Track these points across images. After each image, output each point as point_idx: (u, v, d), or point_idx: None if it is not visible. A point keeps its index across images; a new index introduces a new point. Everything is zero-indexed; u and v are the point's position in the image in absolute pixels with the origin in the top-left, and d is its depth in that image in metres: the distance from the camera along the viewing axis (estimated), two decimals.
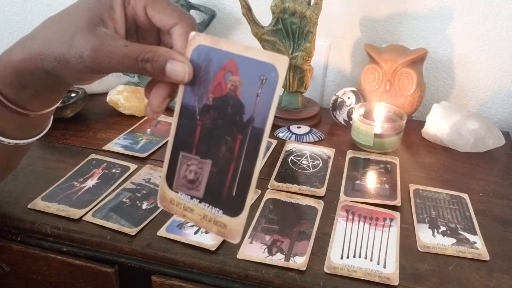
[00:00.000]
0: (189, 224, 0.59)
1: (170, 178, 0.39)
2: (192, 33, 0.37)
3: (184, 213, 0.39)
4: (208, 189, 0.37)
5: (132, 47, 0.36)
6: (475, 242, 0.59)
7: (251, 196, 0.35)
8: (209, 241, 0.56)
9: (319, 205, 0.64)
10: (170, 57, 0.36)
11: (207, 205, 0.37)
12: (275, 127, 0.85)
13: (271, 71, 0.33)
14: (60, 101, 0.48)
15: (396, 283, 0.52)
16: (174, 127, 0.39)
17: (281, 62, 0.33)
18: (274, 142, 0.80)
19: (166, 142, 0.77)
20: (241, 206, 0.35)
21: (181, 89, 0.38)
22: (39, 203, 0.62)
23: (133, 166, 0.71)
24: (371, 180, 0.71)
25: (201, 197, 0.37)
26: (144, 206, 0.63)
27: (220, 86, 0.36)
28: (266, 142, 0.34)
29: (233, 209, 0.36)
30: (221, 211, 0.36)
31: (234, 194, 0.36)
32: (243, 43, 0.35)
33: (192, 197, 0.38)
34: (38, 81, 0.42)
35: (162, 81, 0.38)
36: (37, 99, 0.44)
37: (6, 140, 0.47)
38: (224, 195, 0.36)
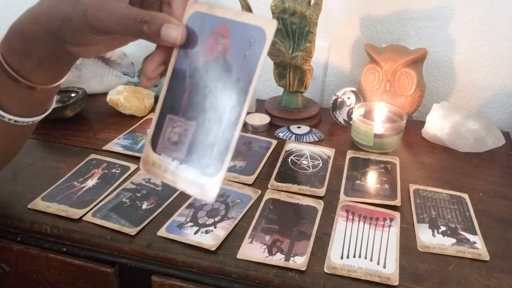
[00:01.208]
0: (189, 224, 0.59)
1: (155, 141, 0.40)
2: (191, 1, 0.39)
3: (163, 175, 0.39)
4: (190, 150, 0.38)
5: (133, 9, 0.39)
6: (475, 242, 0.59)
7: (230, 157, 0.36)
8: (209, 241, 0.56)
9: (319, 205, 0.64)
10: (167, 21, 0.38)
11: (186, 166, 0.38)
12: (275, 127, 0.85)
13: (260, 34, 0.35)
14: (62, 79, 0.49)
15: (396, 283, 0.52)
16: (164, 91, 0.40)
17: (269, 26, 0.34)
18: (274, 142, 0.80)
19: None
20: (219, 167, 0.36)
21: (174, 53, 0.39)
22: (39, 203, 0.62)
23: (133, 166, 0.71)
24: (371, 180, 0.71)
25: (182, 158, 0.38)
26: (144, 206, 0.63)
27: (211, 50, 0.37)
28: (249, 103, 0.35)
29: (211, 169, 0.37)
30: (199, 172, 0.37)
31: (213, 155, 0.37)
32: (236, 9, 0.36)
33: (173, 159, 0.39)
34: (43, 46, 0.43)
35: (158, 44, 0.40)
36: (41, 69, 0.45)
37: (7, 116, 0.47)
38: (204, 157, 0.37)
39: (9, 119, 0.48)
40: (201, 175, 0.37)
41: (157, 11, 0.43)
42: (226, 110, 0.36)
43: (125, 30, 0.39)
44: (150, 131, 0.40)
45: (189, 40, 0.38)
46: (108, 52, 0.94)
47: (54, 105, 0.53)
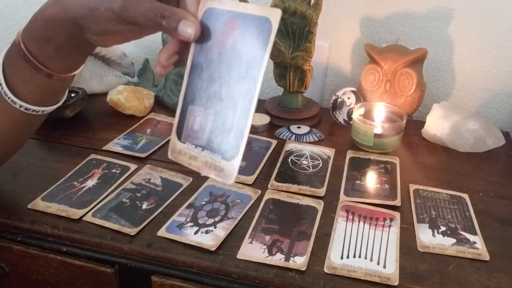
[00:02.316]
0: (189, 224, 0.59)
1: (179, 131, 0.44)
2: None
3: (189, 161, 0.43)
4: (210, 137, 0.41)
5: (156, 3, 0.42)
6: (475, 242, 0.59)
7: (246, 140, 0.39)
8: (209, 241, 0.56)
9: (319, 205, 0.64)
10: (184, 17, 0.41)
11: (208, 152, 0.41)
12: (275, 127, 0.85)
13: (266, 23, 0.38)
14: (79, 70, 0.50)
15: (396, 283, 0.52)
16: (185, 84, 0.43)
17: (274, 14, 0.37)
18: (274, 142, 0.80)
19: (167, 141, 0.78)
20: (236, 150, 0.39)
21: (192, 48, 0.42)
22: (39, 203, 0.62)
23: (133, 166, 0.71)
24: (371, 180, 0.71)
25: (204, 145, 0.42)
26: (144, 206, 0.63)
27: (224, 42, 0.40)
28: (259, 87, 0.38)
29: (230, 154, 0.40)
30: (219, 156, 0.40)
31: (230, 140, 0.40)
32: (244, 3, 0.40)
33: (196, 146, 0.42)
34: (63, 33, 0.45)
35: (175, 37, 0.42)
36: (59, 56, 0.47)
37: (19, 103, 0.49)
38: (223, 142, 0.40)
39: (20, 106, 0.49)
40: (221, 159, 0.40)
41: (175, 4, 0.45)
42: (239, 97, 0.39)
43: (147, 22, 0.42)
44: (175, 122, 0.44)
45: (204, 35, 0.41)
46: (108, 52, 0.94)
47: (65, 97, 0.54)
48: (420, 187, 0.69)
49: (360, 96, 0.86)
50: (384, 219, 0.62)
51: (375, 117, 0.80)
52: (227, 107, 0.40)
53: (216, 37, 0.41)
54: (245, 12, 0.39)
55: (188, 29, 0.40)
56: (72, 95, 0.86)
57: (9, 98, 0.48)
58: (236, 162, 0.39)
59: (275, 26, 0.37)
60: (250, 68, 0.39)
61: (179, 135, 0.44)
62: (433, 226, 0.61)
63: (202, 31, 0.41)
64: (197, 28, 0.41)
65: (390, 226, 0.61)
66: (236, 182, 0.68)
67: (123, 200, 0.64)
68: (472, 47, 0.89)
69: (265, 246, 0.56)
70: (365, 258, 0.55)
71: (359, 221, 0.61)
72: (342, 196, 0.66)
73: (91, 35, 0.45)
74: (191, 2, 0.43)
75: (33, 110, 0.50)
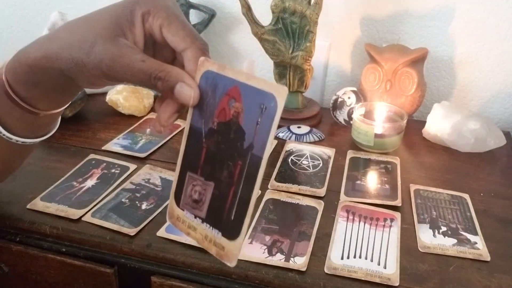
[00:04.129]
0: None
1: (178, 196, 0.40)
2: (201, 59, 0.38)
3: (188, 231, 0.40)
4: (210, 210, 0.38)
5: (149, 63, 0.38)
6: (476, 243, 0.58)
7: (248, 221, 0.35)
8: None
9: (319, 205, 0.64)
10: (181, 80, 0.38)
11: (208, 225, 0.38)
12: None
13: (271, 101, 0.34)
14: (68, 104, 0.49)
15: (397, 284, 0.52)
16: (183, 148, 0.40)
17: (280, 93, 0.33)
18: (274, 142, 0.80)
19: (166, 142, 0.78)
20: (238, 230, 0.36)
21: (190, 111, 0.39)
22: (38, 203, 0.62)
23: (132, 166, 0.71)
24: (372, 180, 0.70)
25: (203, 217, 0.39)
26: (143, 207, 0.62)
27: (224, 112, 0.37)
28: (263, 169, 0.35)
29: (231, 232, 0.36)
30: (220, 233, 0.37)
31: (232, 218, 0.36)
32: (246, 72, 0.36)
33: (195, 216, 0.39)
34: (51, 80, 0.43)
35: (172, 100, 0.39)
36: (47, 98, 0.45)
37: (14, 138, 0.48)
38: (223, 218, 0.37)
39: (16, 140, 0.48)
40: (222, 236, 0.37)
41: (170, 56, 0.43)
42: (241, 178, 0.36)
43: (139, 83, 0.39)
44: (173, 185, 0.41)
45: (203, 100, 0.38)
46: None
47: (58, 124, 0.53)
48: (421, 187, 0.69)
49: (360, 96, 0.86)
50: (385, 219, 0.62)
51: (376, 117, 0.79)
52: (228, 184, 0.37)
53: (216, 104, 0.37)
54: (248, 84, 0.35)
55: (186, 93, 0.37)
56: None
57: (4, 135, 0.47)
58: (238, 243, 0.36)
59: (281, 106, 0.33)
60: (252, 148, 0.35)
61: (177, 200, 0.41)
62: (434, 227, 0.61)
63: (201, 96, 0.38)
64: (196, 93, 0.38)
65: (390, 226, 0.61)
66: None
67: (123, 200, 0.63)
68: (473, 46, 0.88)
69: (265, 247, 0.56)
70: (366, 258, 0.55)
71: (359, 221, 0.61)
72: (342, 196, 0.66)
73: (81, 82, 0.43)
74: (190, 59, 0.39)
75: (29, 142, 0.49)
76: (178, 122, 0.81)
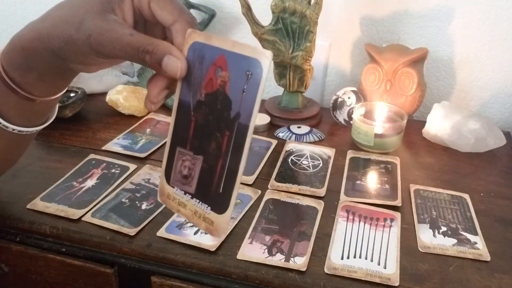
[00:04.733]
0: (188, 225, 0.59)
1: (168, 173, 0.40)
2: (189, 31, 0.38)
3: (178, 208, 0.40)
4: (199, 185, 0.38)
5: (137, 37, 0.38)
6: (476, 243, 0.58)
7: (236, 193, 0.35)
8: (208, 241, 0.56)
9: (319, 205, 0.64)
10: (168, 52, 0.38)
11: (197, 201, 0.38)
12: (275, 127, 0.85)
13: (256, 67, 0.33)
14: (64, 91, 0.49)
15: (397, 284, 0.52)
16: (173, 123, 0.40)
17: (266, 57, 0.33)
18: (274, 142, 0.80)
19: (166, 142, 0.78)
20: (227, 204, 0.36)
21: (179, 85, 0.39)
22: (38, 203, 0.62)
23: (132, 166, 0.71)
24: (372, 180, 0.70)
25: (193, 193, 0.38)
26: (143, 207, 0.62)
27: (211, 82, 0.37)
28: (250, 138, 0.35)
29: (219, 206, 0.36)
30: (209, 208, 0.37)
31: (221, 191, 0.36)
32: (232, 39, 0.35)
33: (185, 193, 0.39)
34: (44, 63, 0.43)
35: (160, 73, 0.39)
36: (42, 83, 0.45)
37: (11, 127, 0.48)
38: (212, 192, 0.37)
39: (13, 129, 0.48)
40: (211, 210, 0.37)
41: (161, 34, 0.43)
42: (229, 147, 0.36)
43: (128, 57, 0.39)
44: (163, 162, 0.41)
45: (190, 72, 0.38)
46: None
47: (55, 114, 0.53)
48: (421, 187, 0.69)
49: (360, 96, 0.86)
50: (385, 219, 0.62)
51: (376, 117, 0.79)
52: (216, 156, 0.36)
53: (203, 76, 0.37)
54: (233, 51, 0.35)
55: (174, 65, 0.37)
56: (71, 95, 0.86)
57: (0, 123, 0.47)
58: (226, 216, 0.36)
59: (266, 71, 0.33)
60: (239, 117, 0.35)
61: (167, 178, 0.40)
62: (434, 227, 0.61)
63: (188, 68, 0.38)
64: (183, 64, 0.38)
65: (390, 226, 0.61)
66: None
67: (123, 200, 0.63)
68: (473, 46, 0.88)
69: (265, 247, 0.56)
70: (366, 258, 0.55)
71: (359, 221, 0.61)
72: (342, 196, 0.66)
73: (73, 64, 0.43)
74: (177, 31, 0.40)
75: (26, 131, 0.49)
76: None
